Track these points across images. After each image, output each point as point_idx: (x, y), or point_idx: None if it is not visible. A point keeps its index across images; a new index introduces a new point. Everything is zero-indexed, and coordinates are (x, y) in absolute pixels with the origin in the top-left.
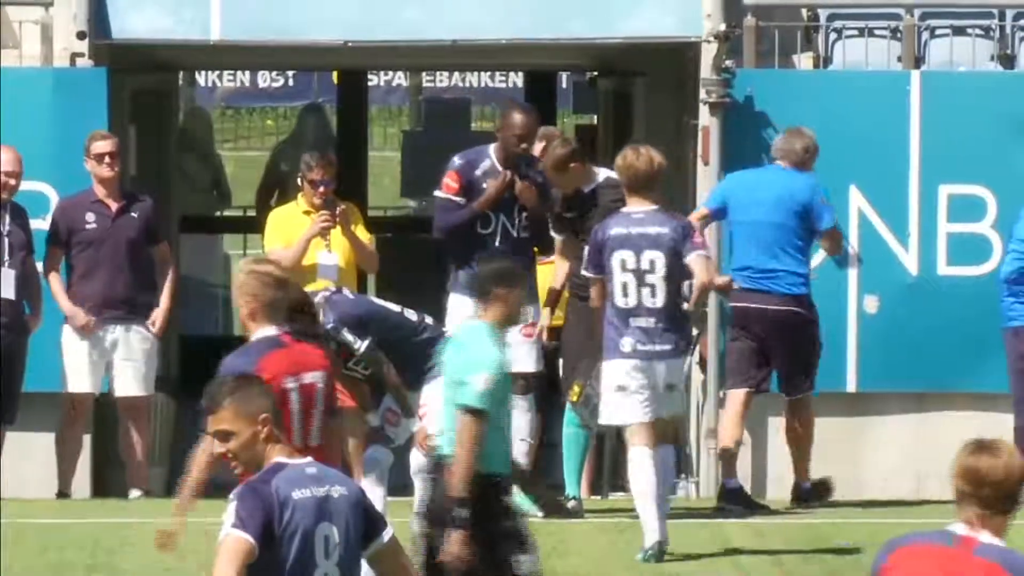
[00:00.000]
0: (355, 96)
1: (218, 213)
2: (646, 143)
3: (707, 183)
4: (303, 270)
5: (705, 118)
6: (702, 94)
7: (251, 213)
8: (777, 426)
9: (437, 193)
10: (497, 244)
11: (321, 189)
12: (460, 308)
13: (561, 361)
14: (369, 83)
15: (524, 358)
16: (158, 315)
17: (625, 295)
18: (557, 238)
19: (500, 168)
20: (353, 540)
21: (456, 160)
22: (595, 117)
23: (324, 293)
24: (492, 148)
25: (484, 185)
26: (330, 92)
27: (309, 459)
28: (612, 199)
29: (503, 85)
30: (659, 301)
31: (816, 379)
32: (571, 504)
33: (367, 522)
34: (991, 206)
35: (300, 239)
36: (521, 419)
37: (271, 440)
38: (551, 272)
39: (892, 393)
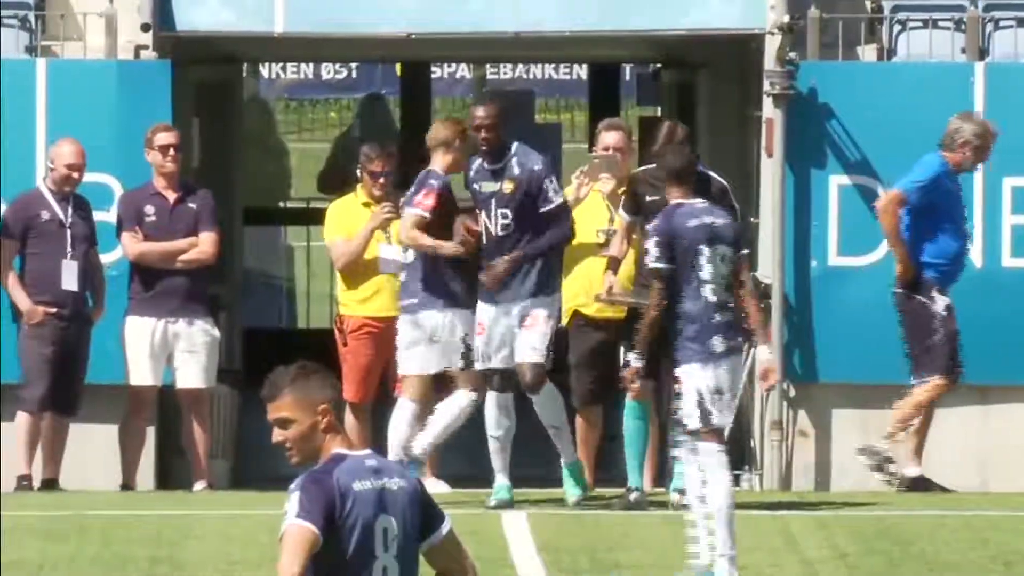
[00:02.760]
0: (418, 88)
1: (281, 204)
2: (709, 135)
3: (771, 175)
4: (364, 263)
5: (769, 110)
6: (766, 86)
7: (314, 204)
8: (842, 417)
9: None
10: (482, 245)
11: (381, 180)
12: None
13: (622, 351)
14: (432, 75)
15: (521, 349)
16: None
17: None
18: (625, 218)
19: (485, 166)
20: (411, 533)
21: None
22: (659, 109)
23: None
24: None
25: (474, 186)
26: (393, 84)
27: (369, 451)
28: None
29: (567, 77)
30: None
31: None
32: (634, 496)
33: (425, 515)
34: None
35: (362, 231)
36: (489, 414)
37: (330, 431)
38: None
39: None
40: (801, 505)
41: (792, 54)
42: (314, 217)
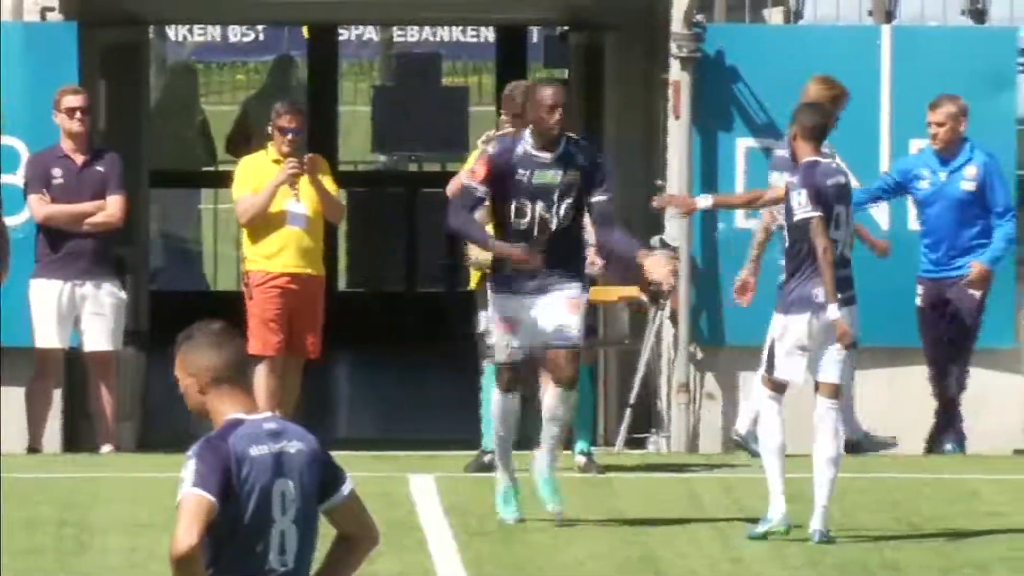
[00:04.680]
0: (326, 51)
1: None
2: (618, 98)
3: (678, 138)
4: (271, 217)
5: (676, 73)
6: (673, 48)
7: (221, 168)
8: (749, 380)
9: (461, 176)
10: (536, 236)
11: (290, 137)
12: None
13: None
14: (340, 37)
15: (560, 331)
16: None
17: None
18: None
19: (535, 154)
20: (309, 495)
21: (491, 148)
22: (566, 72)
23: None
24: (528, 133)
25: (518, 175)
26: (301, 47)
27: (269, 414)
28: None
29: (474, 39)
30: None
31: None
32: (488, 457)
33: (325, 477)
34: None
35: (268, 186)
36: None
37: (210, 392)
38: None
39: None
40: (708, 467)
41: (699, 16)
42: (222, 179)
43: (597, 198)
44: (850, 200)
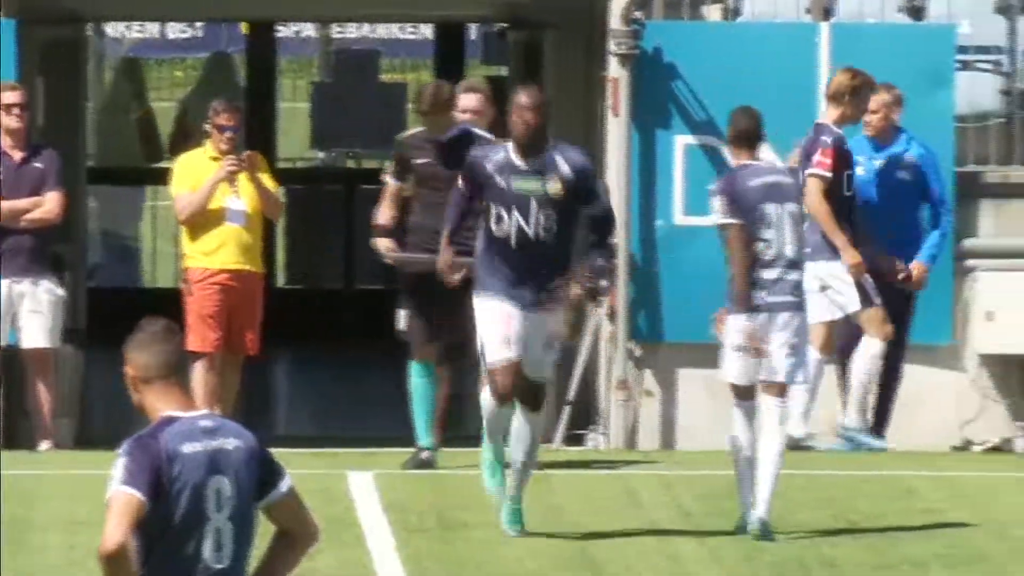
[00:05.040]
0: (264, 47)
1: (136, 165)
2: (557, 96)
3: (617, 135)
4: (210, 214)
5: (614, 70)
6: (611, 46)
7: (160, 165)
8: (687, 377)
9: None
10: (513, 246)
11: (228, 135)
12: (480, 311)
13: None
14: (278, 34)
15: (542, 363)
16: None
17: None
18: (392, 183)
19: (516, 162)
20: (246, 493)
21: (471, 152)
22: (504, 69)
23: None
24: (511, 143)
25: (498, 181)
26: (239, 43)
27: (204, 411)
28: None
29: (413, 37)
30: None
31: None
32: (425, 455)
33: (263, 474)
34: None
35: (207, 183)
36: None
37: (140, 390)
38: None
39: None
40: (646, 464)
41: (637, 14)
42: (160, 177)
43: (587, 211)
44: (789, 199)
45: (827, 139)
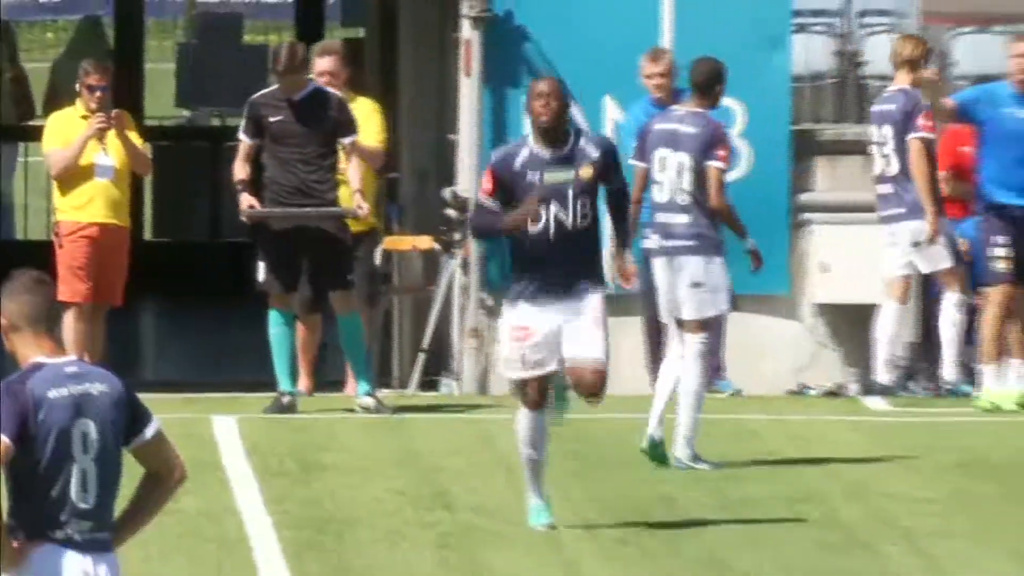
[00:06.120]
0: (131, 9)
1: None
2: (412, 56)
3: (469, 94)
4: (80, 169)
5: (467, 32)
6: (464, 8)
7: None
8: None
9: (479, 195)
10: (551, 240)
11: (97, 94)
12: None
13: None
14: None
15: (587, 345)
16: None
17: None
18: (246, 140)
19: (542, 155)
20: (112, 435)
21: (493, 155)
22: (362, 31)
23: None
24: (530, 133)
25: (529, 178)
26: (107, 6)
27: (71, 358)
28: None
29: (274, 0)
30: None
31: None
32: (286, 399)
33: (130, 418)
34: (740, 116)
35: (77, 140)
36: (526, 434)
37: (8, 336)
38: None
39: None
40: (498, 408)
41: None
42: (31, 134)
43: (606, 187)
44: (685, 147)
45: (927, 103)
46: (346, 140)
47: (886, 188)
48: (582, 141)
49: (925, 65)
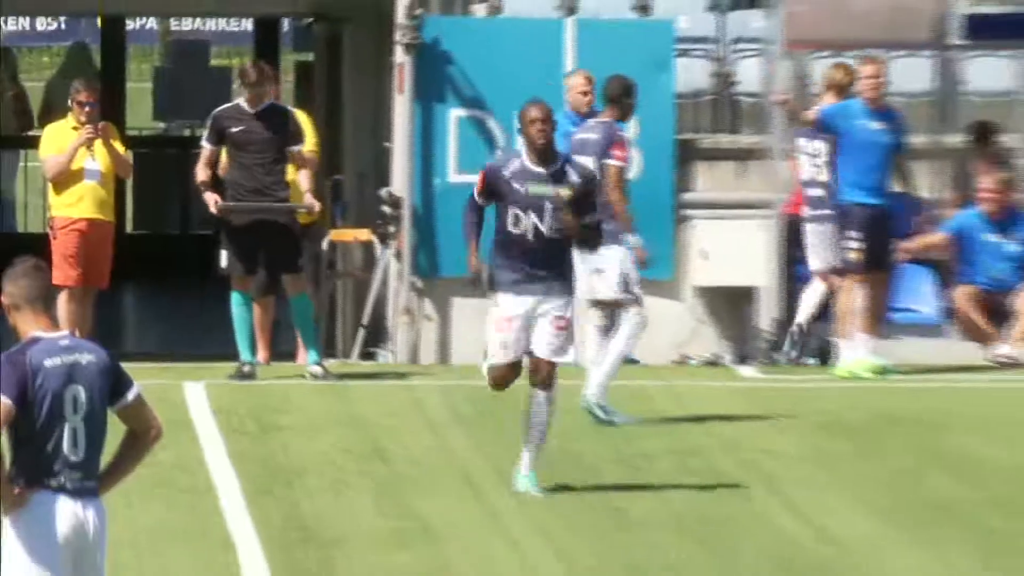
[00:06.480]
0: (115, 37)
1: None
2: (354, 77)
3: (402, 109)
4: (72, 173)
5: (400, 56)
6: (398, 36)
7: (30, 134)
8: (459, 305)
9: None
10: (530, 241)
11: (87, 109)
12: (492, 311)
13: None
14: (127, 27)
15: (548, 344)
16: None
17: None
18: (207, 147)
19: (532, 168)
20: (99, 399)
21: (488, 162)
22: (312, 55)
23: None
24: (523, 149)
25: (514, 185)
26: (95, 34)
27: (64, 333)
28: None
29: (236, 29)
30: None
31: None
32: (246, 368)
33: (114, 383)
34: (632, 127)
35: (69, 148)
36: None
37: (12, 314)
38: None
39: None
40: (427, 375)
41: (418, 11)
42: (31, 142)
43: (582, 220)
44: (589, 151)
45: None
46: (295, 148)
47: (816, 191)
48: (568, 166)
49: (851, 89)
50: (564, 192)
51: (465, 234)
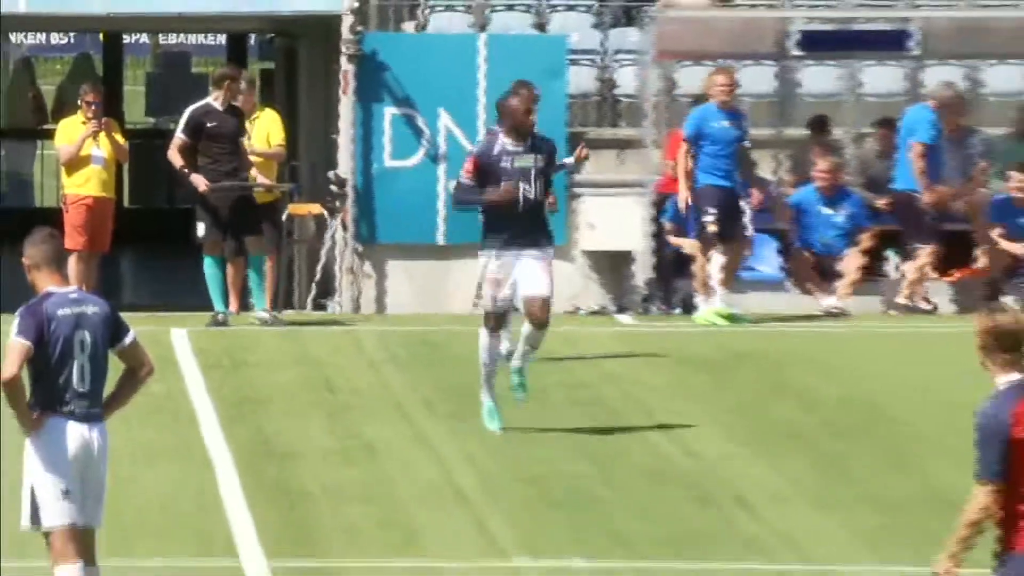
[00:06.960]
0: (114, 49)
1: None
2: (308, 82)
3: (346, 108)
4: (81, 159)
5: (345, 65)
6: (343, 48)
7: (47, 127)
8: (393, 266)
9: (460, 174)
10: (520, 207)
11: (93, 107)
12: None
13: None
14: (124, 41)
15: (537, 283)
16: None
17: None
18: (182, 138)
19: (511, 147)
20: (101, 342)
21: (474, 147)
22: (273, 64)
23: None
24: (502, 131)
25: (503, 163)
26: (98, 47)
27: (74, 288)
28: None
29: (213, 43)
30: None
31: None
32: (220, 317)
33: (114, 329)
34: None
35: (79, 139)
36: (487, 351)
37: (32, 272)
38: None
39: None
40: (367, 322)
41: (360, 28)
42: (47, 134)
43: (547, 175)
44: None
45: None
46: (242, 139)
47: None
48: (538, 140)
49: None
50: (541, 160)
51: (476, 199)
